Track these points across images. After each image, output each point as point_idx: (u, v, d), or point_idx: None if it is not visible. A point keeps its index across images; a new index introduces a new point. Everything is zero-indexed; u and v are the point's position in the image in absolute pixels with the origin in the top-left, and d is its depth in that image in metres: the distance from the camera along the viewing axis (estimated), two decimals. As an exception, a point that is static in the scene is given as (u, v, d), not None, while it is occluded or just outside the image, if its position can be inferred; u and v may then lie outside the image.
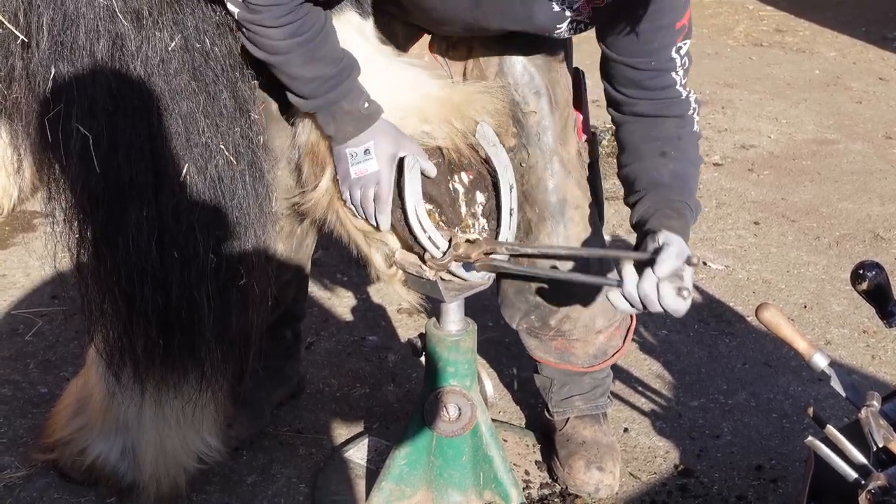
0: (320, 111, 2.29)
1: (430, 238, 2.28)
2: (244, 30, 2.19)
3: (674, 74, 2.31)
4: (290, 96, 2.30)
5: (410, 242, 2.33)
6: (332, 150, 2.35)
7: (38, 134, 2.17)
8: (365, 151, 2.28)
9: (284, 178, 2.49)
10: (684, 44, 2.28)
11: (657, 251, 2.02)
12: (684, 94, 2.34)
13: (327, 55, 2.25)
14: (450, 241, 2.30)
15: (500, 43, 2.50)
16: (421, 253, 2.33)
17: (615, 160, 2.50)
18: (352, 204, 2.33)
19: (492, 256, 2.32)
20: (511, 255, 2.43)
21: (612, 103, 2.43)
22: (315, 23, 2.21)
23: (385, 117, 2.31)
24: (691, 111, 2.36)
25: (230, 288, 2.33)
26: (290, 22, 2.16)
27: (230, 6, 2.14)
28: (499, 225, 2.43)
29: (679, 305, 2.00)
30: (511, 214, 2.43)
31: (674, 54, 2.28)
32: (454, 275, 2.34)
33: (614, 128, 2.46)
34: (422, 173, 2.31)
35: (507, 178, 2.41)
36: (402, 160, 2.28)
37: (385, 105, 2.31)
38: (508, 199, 2.42)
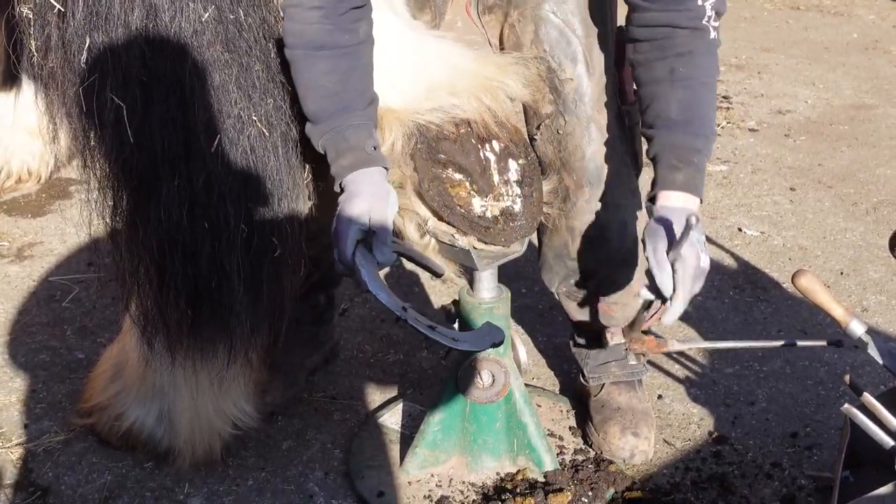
0: (328, 138, 2.22)
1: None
2: (284, 19, 2.19)
3: None
4: (307, 125, 2.26)
5: None
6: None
7: (73, 103, 2.18)
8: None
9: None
10: None
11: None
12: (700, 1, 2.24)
13: (356, 76, 2.21)
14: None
15: (536, 9, 2.48)
16: None
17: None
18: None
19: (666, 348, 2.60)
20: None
21: (628, 11, 2.32)
22: (357, 30, 2.19)
23: (412, 94, 2.26)
24: (706, 19, 2.24)
25: (262, 259, 2.32)
26: (325, 8, 2.15)
27: None
28: None
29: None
30: None
31: None
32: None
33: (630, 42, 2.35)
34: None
35: None
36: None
37: (415, 79, 2.28)
38: None
